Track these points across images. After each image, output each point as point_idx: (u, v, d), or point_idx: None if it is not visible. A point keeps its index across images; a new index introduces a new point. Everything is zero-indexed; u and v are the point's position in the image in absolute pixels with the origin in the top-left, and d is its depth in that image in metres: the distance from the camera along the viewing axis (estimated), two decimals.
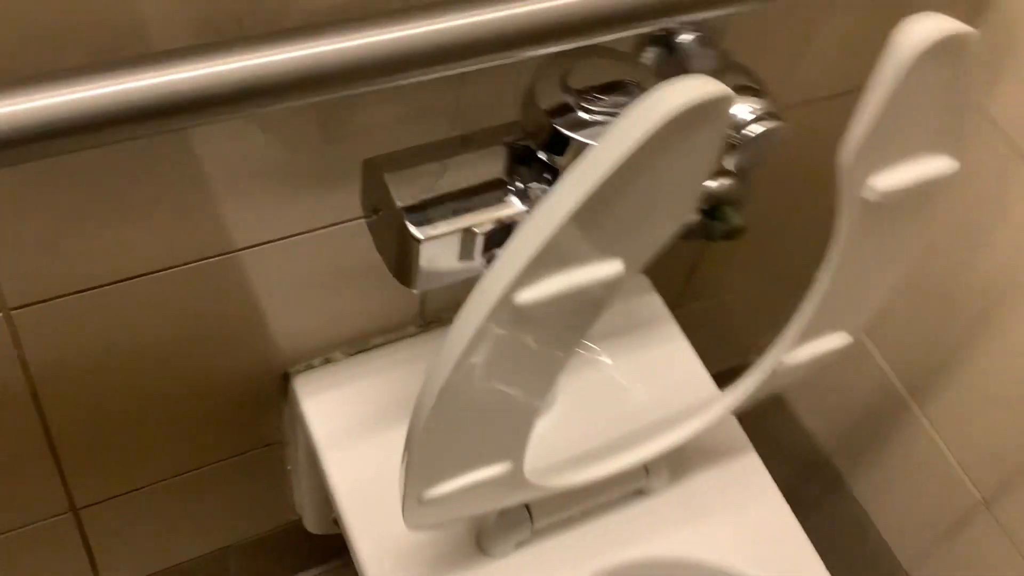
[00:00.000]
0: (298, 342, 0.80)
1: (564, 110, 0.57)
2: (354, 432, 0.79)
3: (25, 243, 0.60)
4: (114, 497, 0.85)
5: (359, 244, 0.73)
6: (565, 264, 0.46)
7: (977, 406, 0.94)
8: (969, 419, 0.95)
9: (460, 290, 0.83)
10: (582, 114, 0.57)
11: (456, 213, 0.59)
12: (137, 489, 0.86)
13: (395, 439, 0.78)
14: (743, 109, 0.62)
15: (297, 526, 1.04)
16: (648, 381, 0.85)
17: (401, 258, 0.60)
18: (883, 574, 1.15)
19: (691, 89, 0.40)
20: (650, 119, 0.40)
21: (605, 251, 0.47)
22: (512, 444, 0.61)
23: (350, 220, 0.70)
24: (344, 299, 0.79)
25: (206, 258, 0.68)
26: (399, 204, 0.58)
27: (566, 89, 0.57)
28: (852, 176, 0.51)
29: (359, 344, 0.83)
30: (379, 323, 0.83)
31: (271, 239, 0.69)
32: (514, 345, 0.51)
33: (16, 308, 0.63)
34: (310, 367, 0.82)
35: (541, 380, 0.57)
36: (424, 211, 0.58)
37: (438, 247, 0.58)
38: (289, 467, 0.95)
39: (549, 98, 0.58)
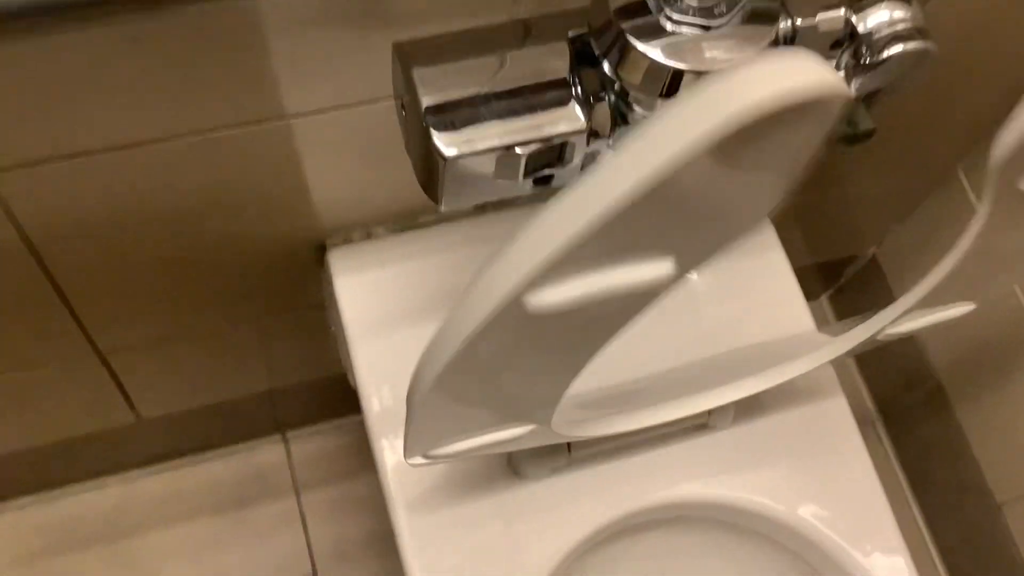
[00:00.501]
0: (337, 213, 0.71)
1: (638, 9, 0.44)
2: (386, 320, 0.71)
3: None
4: (141, 347, 0.80)
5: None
6: (593, 264, 0.34)
7: None
8: None
9: None
10: (661, 19, 0.43)
11: (495, 124, 0.47)
12: (167, 339, 0.81)
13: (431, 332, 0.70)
14: (880, 16, 0.47)
15: (343, 377, 0.99)
16: (731, 299, 0.74)
17: (427, 170, 0.49)
18: (974, 505, 1.05)
19: (790, 77, 0.27)
20: (727, 110, 0.27)
21: (651, 249, 0.35)
22: (538, 410, 0.52)
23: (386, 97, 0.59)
24: (389, 171, 0.68)
25: (244, 124, 0.58)
26: (425, 106, 0.47)
27: None
28: (1009, 167, 0.38)
29: (405, 220, 0.73)
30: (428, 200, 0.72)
31: (314, 110, 0.59)
32: (532, 343, 0.41)
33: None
34: (348, 241, 0.73)
35: (569, 367, 0.46)
36: (455, 118, 0.47)
37: (469, 165, 0.47)
38: (332, 328, 0.88)
39: None
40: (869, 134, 0.71)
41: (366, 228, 0.73)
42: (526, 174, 0.49)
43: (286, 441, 1.09)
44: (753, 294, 0.74)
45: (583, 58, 0.47)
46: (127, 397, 0.88)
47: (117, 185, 0.60)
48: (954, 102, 0.85)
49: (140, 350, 0.81)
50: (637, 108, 0.47)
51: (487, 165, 0.48)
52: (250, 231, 0.70)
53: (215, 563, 1.04)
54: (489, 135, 0.47)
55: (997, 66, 0.81)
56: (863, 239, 1.09)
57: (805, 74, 0.27)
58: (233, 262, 0.72)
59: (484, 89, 0.47)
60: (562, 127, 0.48)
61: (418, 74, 0.47)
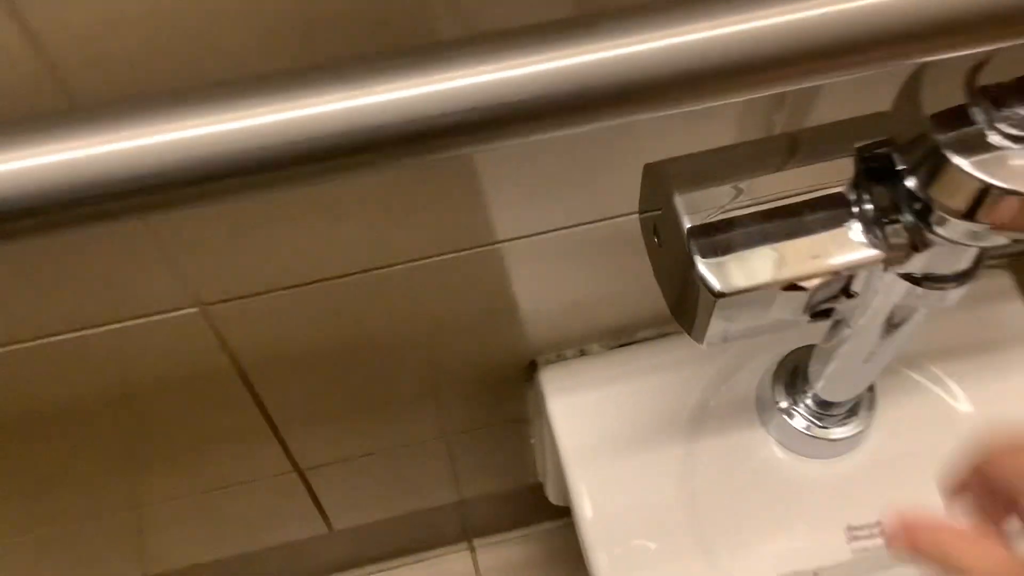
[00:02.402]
0: (548, 331, 0.65)
1: (959, 119, 0.37)
2: (605, 445, 0.65)
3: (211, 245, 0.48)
4: (338, 462, 0.77)
5: (621, 239, 0.57)
6: None
7: None
8: None
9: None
10: (989, 133, 0.36)
11: (769, 251, 0.41)
12: (363, 456, 0.77)
13: (656, 462, 0.64)
14: None
15: (538, 485, 0.93)
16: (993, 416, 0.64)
17: (685, 301, 0.43)
18: None
19: None
20: None
21: None
22: None
23: (609, 218, 0.54)
24: (606, 289, 0.63)
25: (460, 250, 0.54)
26: (688, 227, 0.41)
27: (971, 88, 0.36)
28: None
29: (623, 336, 0.67)
30: (649, 312, 0.66)
31: (527, 234, 0.54)
32: None
33: (213, 303, 0.53)
34: (562, 358, 0.68)
35: None
36: (723, 244, 0.41)
37: (742, 302, 0.41)
38: (533, 440, 0.83)
39: (938, 97, 0.37)
40: None
41: (579, 346, 0.67)
42: (809, 308, 0.42)
43: (472, 550, 1.04)
44: None
45: (873, 174, 0.41)
46: (322, 511, 0.85)
47: (327, 313, 0.56)
48: None
49: (337, 466, 0.78)
50: (940, 231, 0.40)
51: (762, 300, 0.41)
52: (459, 354, 0.65)
53: None
54: (764, 266, 0.40)
55: None
56: None
57: None
58: (439, 383, 0.68)
59: (753, 210, 0.41)
60: (853, 256, 0.41)
61: (679, 197, 0.41)
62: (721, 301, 0.40)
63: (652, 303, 0.65)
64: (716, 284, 0.40)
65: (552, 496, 0.89)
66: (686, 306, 0.43)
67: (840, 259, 0.40)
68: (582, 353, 0.68)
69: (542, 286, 0.60)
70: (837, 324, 0.53)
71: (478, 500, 0.95)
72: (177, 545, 0.87)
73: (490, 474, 0.90)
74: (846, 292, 0.42)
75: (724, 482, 0.63)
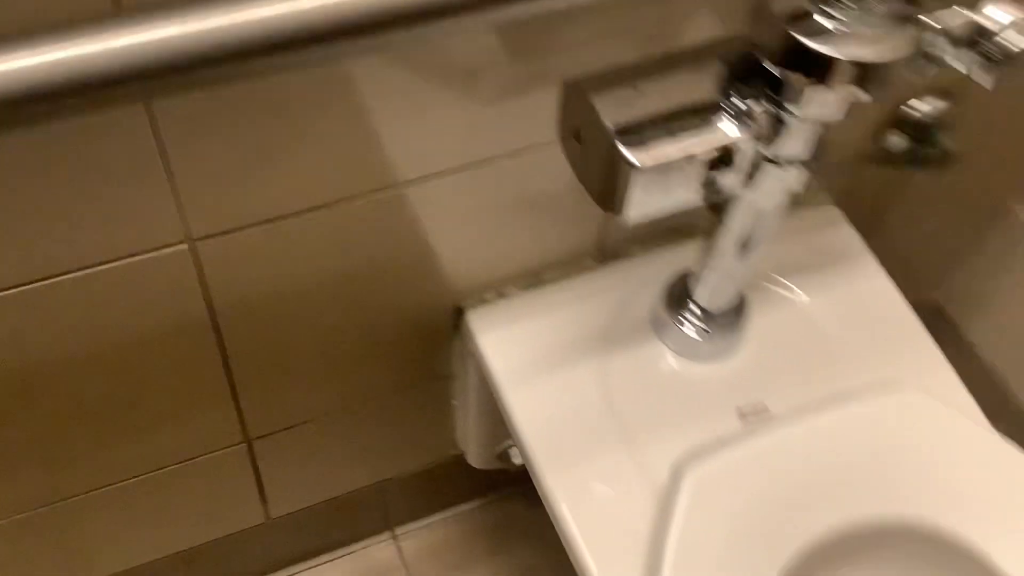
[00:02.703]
0: (470, 276, 0.76)
1: (801, 15, 0.51)
2: (532, 368, 0.75)
3: (211, 174, 0.57)
4: (284, 429, 0.84)
5: (534, 174, 0.69)
6: None
7: None
8: None
9: (643, 225, 0.78)
10: (822, 19, 0.50)
11: (673, 137, 0.53)
12: (306, 422, 0.85)
13: (576, 377, 0.75)
14: (1003, 13, 0.54)
15: (456, 460, 1.02)
16: (847, 322, 0.79)
17: (610, 187, 0.55)
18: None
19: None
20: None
21: None
22: None
23: (523, 149, 0.66)
24: (517, 231, 0.74)
25: (378, 190, 0.64)
26: (610, 127, 0.53)
27: None
28: None
29: (533, 278, 0.79)
30: (554, 256, 0.78)
31: (443, 170, 0.65)
32: None
33: (201, 239, 0.61)
34: (483, 301, 0.78)
35: None
36: (639, 134, 0.53)
37: (654, 175, 0.53)
38: (455, 401, 0.92)
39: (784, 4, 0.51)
40: (952, 156, 0.79)
41: (498, 289, 0.78)
42: (701, 182, 0.54)
43: (395, 538, 1.11)
44: (864, 317, 0.79)
45: (739, 73, 0.54)
46: (261, 491, 0.91)
47: (295, 250, 0.65)
48: (1002, 134, 0.92)
49: (283, 436, 0.85)
50: (793, 108, 0.53)
51: (669, 173, 0.53)
52: (392, 300, 0.75)
53: None
54: (669, 148, 0.53)
55: None
56: (921, 283, 1.14)
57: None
58: (375, 333, 0.77)
59: (658, 109, 0.54)
60: (729, 136, 0.54)
61: (598, 101, 0.53)
62: (637, 173, 0.53)
63: (559, 242, 0.77)
64: (635, 160, 0.52)
65: (473, 459, 0.98)
66: (610, 191, 0.55)
67: (720, 138, 0.53)
68: (501, 296, 0.78)
69: (457, 227, 0.71)
70: (717, 231, 0.66)
71: (399, 482, 1.03)
72: (110, 544, 0.90)
73: (412, 447, 0.98)
74: (726, 162, 0.55)
75: (634, 388, 0.75)
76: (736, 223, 0.65)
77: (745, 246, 0.68)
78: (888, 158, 0.78)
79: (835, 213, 0.85)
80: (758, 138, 0.55)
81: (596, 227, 0.78)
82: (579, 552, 0.69)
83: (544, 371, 0.75)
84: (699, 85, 0.55)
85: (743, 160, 0.56)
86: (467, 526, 1.12)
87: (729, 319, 0.76)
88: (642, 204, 0.55)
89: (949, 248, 1.08)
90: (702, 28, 0.63)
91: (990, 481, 0.71)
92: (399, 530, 1.12)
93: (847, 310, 0.80)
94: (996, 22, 0.52)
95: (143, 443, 0.78)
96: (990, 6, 0.53)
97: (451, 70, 0.59)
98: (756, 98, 0.54)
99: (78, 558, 0.91)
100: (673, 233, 0.81)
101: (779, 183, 0.60)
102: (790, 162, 0.58)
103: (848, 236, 0.84)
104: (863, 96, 0.52)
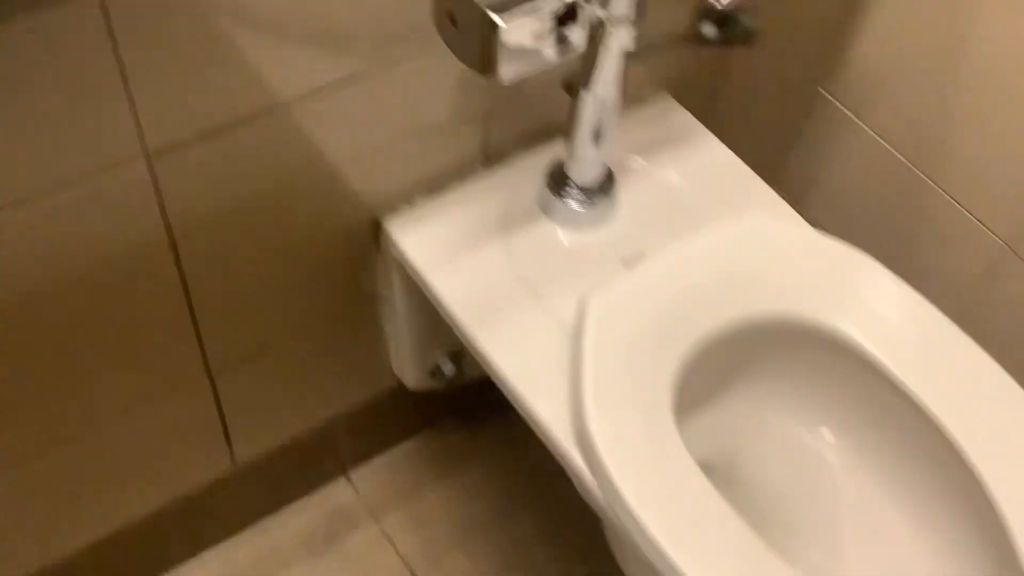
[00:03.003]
0: (379, 189, 0.90)
1: None
2: (448, 257, 0.89)
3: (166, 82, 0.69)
4: (242, 362, 0.95)
5: (416, 88, 0.83)
6: None
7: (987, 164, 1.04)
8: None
9: (518, 127, 0.93)
10: None
11: (525, 6, 0.69)
12: (260, 355, 0.96)
13: (486, 258, 0.89)
14: None
15: (394, 394, 1.14)
16: (698, 182, 0.96)
17: (485, 51, 0.70)
18: None
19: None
20: None
21: None
22: None
23: (403, 62, 0.80)
24: (412, 144, 0.88)
25: (276, 105, 0.77)
26: (483, 6, 0.68)
27: None
28: None
29: (435, 186, 0.93)
30: (450, 164, 0.93)
31: (328, 83, 0.78)
32: None
33: (156, 152, 0.73)
34: (396, 212, 0.92)
35: None
36: (501, 3, 0.68)
37: (517, 32, 0.68)
38: (387, 326, 1.05)
39: None
40: (756, 34, 0.97)
41: (407, 199, 0.92)
42: (555, 38, 0.70)
43: (351, 481, 1.22)
44: (710, 174, 0.96)
45: None
46: (226, 432, 1.02)
47: (233, 167, 0.78)
48: (800, 27, 1.11)
49: (239, 369, 0.96)
50: None
51: (529, 31, 0.69)
52: (316, 215, 0.87)
53: None
54: (526, 8, 0.68)
55: None
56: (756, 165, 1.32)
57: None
58: (307, 248, 0.89)
59: None
60: None
61: None
62: (504, 32, 0.68)
63: (450, 153, 0.92)
64: (500, 22, 0.68)
65: (408, 379, 1.11)
66: (485, 55, 0.70)
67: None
68: (410, 204, 0.92)
69: (358, 144, 0.84)
70: (574, 113, 0.82)
71: (347, 421, 1.14)
72: (73, 510, 0.98)
73: (355, 376, 1.09)
74: (572, 17, 0.70)
75: (535, 258, 0.90)
76: (587, 110, 0.82)
77: (598, 127, 0.84)
78: (703, 41, 0.96)
79: (672, 103, 1.02)
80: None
81: (480, 134, 0.92)
82: (515, 391, 0.83)
83: (458, 258, 0.89)
84: None
85: (584, 17, 0.71)
86: (413, 460, 1.24)
87: (602, 191, 0.91)
88: (512, 60, 0.70)
89: (775, 131, 1.25)
90: None
91: (830, 272, 0.88)
92: (353, 474, 1.22)
93: (697, 173, 0.97)
94: None
95: (107, 383, 0.87)
96: None
97: None
98: None
99: (38, 531, 0.98)
100: (543, 134, 0.96)
101: (615, 41, 0.76)
102: (619, 20, 0.74)
103: (686, 118, 1.01)
104: None
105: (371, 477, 1.23)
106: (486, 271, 0.89)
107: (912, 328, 0.86)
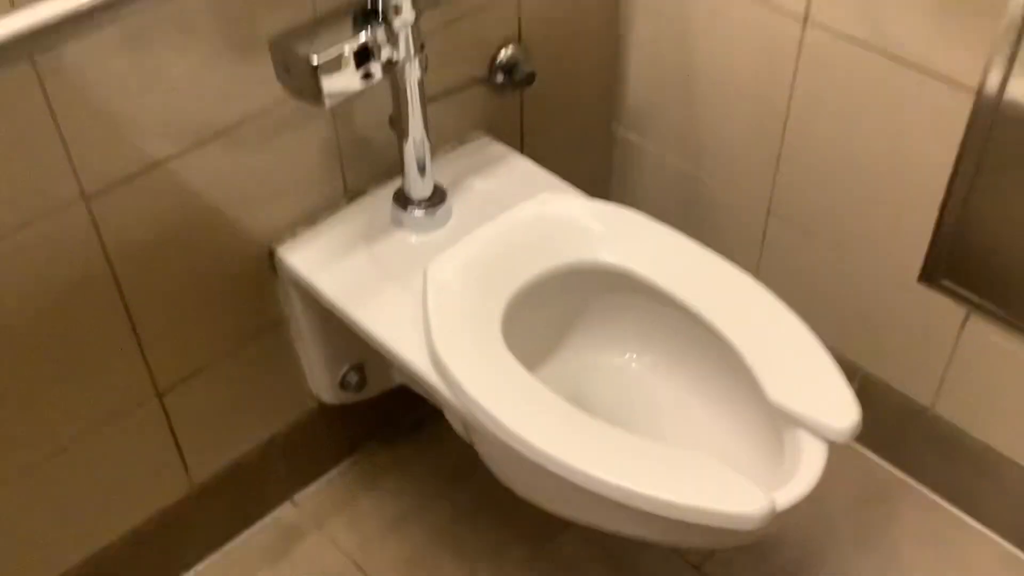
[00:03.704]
0: (270, 224, 1.19)
1: None
2: (325, 264, 1.18)
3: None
4: (184, 379, 1.21)
5: (290, 152, 1.14)
6: None
7: None
8: None
9: (368, 170, 1.24)
10: None
11: (335, 47, 1.01)
12: (200, 370, 1.21)
13: (356, 261, 1.18)
14: None
15: (320, 415, 1.39)
16: (512, 185, 1.26)
17: (311, 87, 1.01)
18: None
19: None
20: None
21: None
22: None
23: (276, 137, 1.11)
24: (291, 190, 1.18)
25: (175, 156, 1.07)
26: (302, 53, 1.00)
27: None
28: None
29: (312, 219, 1.22)
30: (320, 203, 1.22)
31: (203, 138, 1.08)
32: None
33: (94, 194, 1.01)
34: (283, 241, 1.21)
35: None
36: (317, 51, 1.00)
37: (329, 67, 1.00)
38: (296, 347, 1.31)
39: None
40: (533, 75, 1.31)
41: (289, 232, 1.21)
42: (361, 70, 1.02)
43: (295, 503, 1.45)
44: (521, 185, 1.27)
45: (365, 14, 1.03)
46: (180, 451, 1.26)
47: (159, 202, 1.07)
48: (580, 71, 1.45)
49: (184, 386, 1.21)
50: (393, 27, 1.02)
51: (339, 67, 1.00)
52: (223, 245, 1.16)
53: None
54: (332, 51, 1.00)
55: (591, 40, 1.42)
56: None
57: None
58: (219, 276, 1.17)
59: (324, 40, 1.01)
60: (360, 40, 1.02)
61: (293, 43, 1.00)
62: (320, 65, 0.99)
63: (318, 192, 1.21)
64: (315, 59, 0.99)
65: (325, 395, 1.36)
66: (313, 90, 1.01)
67: (358, 40, 1.01)
68: (294, 235, 1.21)
69: (240, 188, 1.13)
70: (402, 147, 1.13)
71: (284, 447, 1.39)
72: (28, 549, 1.17)
73: (282, 396, 1.34)
74: (369, 56, 1.02)
75: (395, 256, 1.18)
76: (408, 145, 1.14)
77: (420, 155, 1.16)
78: (496, 85, 1.29)
79: (489, 139, 1.34)
80: (379, 41, 1.03)
81: (340, 178, 1.23)
82: (387, 346, 1.10)
83: (334, 263, 1.18)
84: (344, 24, 1.03)
85: (379, 54, 1.03)
86: (345, 478, 1.48)
87: (436, 201, 1.21)
88: (332, 87, 1.01)
89: (576, 156, 1.54)
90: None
91: (610, 226, 1.17)
92: (296, 496, 1.46)
93: (509, 180, 1.27)
94: None
95: (63, 409, 1.11)
96: None
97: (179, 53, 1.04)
98: (375, 20, 1.03)
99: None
100: (387, 172, 1.26)
101: (410, 75, 1.08)
102: (406, 59, 1.06)
103: (500, 148, 1.32)
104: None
105: (312, 497, 1.46)
106: (356, 269, 1.17)
107: (673, 255, 1.15)
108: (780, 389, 1.01)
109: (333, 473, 1.48)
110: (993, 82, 1.06)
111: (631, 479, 0.94)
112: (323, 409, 1.39)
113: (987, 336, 1.24)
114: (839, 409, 0.99)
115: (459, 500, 1.44)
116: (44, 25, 0.84)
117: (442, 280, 1.11)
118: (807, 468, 0.97)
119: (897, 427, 1.42)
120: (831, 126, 1.25)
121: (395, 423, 1.52)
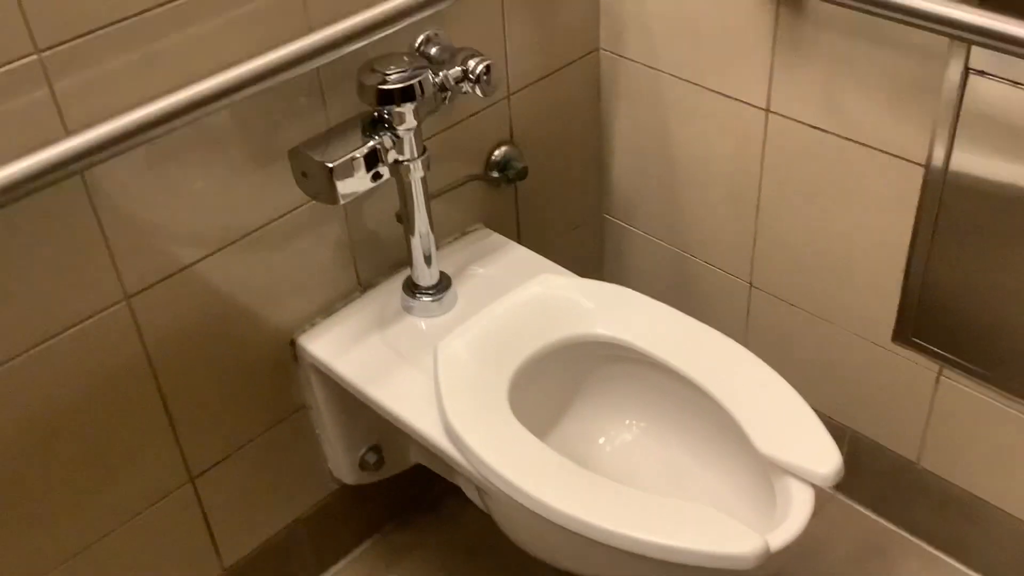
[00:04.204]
0: (291, 317, 1.29)
1: (377, 80, 1.13)
2: (344, 350, 1.28)
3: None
4: (216, 464, 1.29)
5: (308, 253, 1.26)
6: None
7: None
8: None
9: (378, 263, 1.34)
10: (387, 78, 1.13)
11: (347, 153, 1.13)
12: (230, 455, 1.30)
13: (371, 346, 1.28)
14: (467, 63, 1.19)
15: (341, 496, 1.48)
16: (509, 271, 1.37)
17: (327, 188, 1.13)
18: None
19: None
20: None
21: None
22: None
23: (294, 240, 1.23)
24: (309, 285, 1.29)
25: (199, 260, 1.18)
26: (317, 159, 1.12)
27: (373, 71, 1.13)
28: None
29: (329, 310, 1.33)
30: (336, 296, 1.33)
31: (229, 242, 1.20)
32: None
33: (135, 293, 1.12)
34: (303, 331, 1.31)
35: None
36: (332, 158, 1.12)
37: (342, 170, 1.12)
38: (318, 431, 1.40)
39: (368, 80, 1.14)
40: (525, 170, 1.43)
41: (307, 323, 1.31)
42: (367, 169, 1.14)
43: None
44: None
45: (374, 123, 1.15)
46: (211, 534, 1.34)
47: (207, 293, 1.17)
48: (570, 166, 1.58)
49: (215, 471, 1.29)
50: (398, 133, 1.15)
51: (350, 169, 1.12)
52: (248, 339, 1.26)
53: None
54: (344, 157, 1.12)
55: (581, 140, 1.55)
56: None
57: None
58: (245, 366, 1.27)
59: (337, 147, 1.13)
60: (367, 149, 1.14)
61: (310, 151, 1.13)
62: (334, 172, 1.11)
63: (334, 287, 1.32)
64: (330, 165, 1.11)
65: (345, 476, 1.44)
66: (328, 191, 1.13)
67: (368, 145, 1.13)
68: (313, 325, 1.32)
69: (261, 287, 1.24)
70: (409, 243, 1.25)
71: (309, 527, 1.46)
72: None
73: (306, 479, 1.43)
74: (377, 159, 1.14)
75: (408, 340, 1.28)
76: (414, 239, 1.25)
77: (424, 244, 1.27)
78: (492, 180, 1.41)
79: (488, 230, 1.45)
80: (386, 146, 1.15)
81: (354, 273, 1.34)
82: (402, 419, 1.19)
83: (351, 349, 1.28)
84: (354, 132, 1.16)
85: (386, 157, 1.15)
86: (368, 557, 1.55)
87: (442, 288, 1.32)
88: (345, 188, 1.13)
89: (571, 245, 1.66)
90: (345, 110, 1.23)
91: (605, 303, 1.28)
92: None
93: (508, 267, 1.38)
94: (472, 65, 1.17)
95: (92, 505, 1.19)
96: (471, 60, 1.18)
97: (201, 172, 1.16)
98: (382, 128, 1.15)
99: None
100: (396, 264, 1.38)
101: (413, 173, 1.20)
102: (410, 160, 1.18)
103: (499, 238, 1.44)
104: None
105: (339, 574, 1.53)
106: (371, 352, 1.27)
107: (663, 325, 1.25)
108: (768, 441, 1.10)
109: (357, 553, 1.56)
110: (939, 156, 1.17)
111: (638, 529, 1.02)
112: (345, 490, 1.47)
113: (961, 389, 1.33)
114: (823, 456, 1.08)
115: (477, 573, 1.51)
116: (95, 145, 0.96)
117: (451, 356, 1.21)
118: (798, 511, 1.05)
119: (888, 483, 1.50)
120: (799, 203, 1.37)
121: (413, 502, 1.59)
